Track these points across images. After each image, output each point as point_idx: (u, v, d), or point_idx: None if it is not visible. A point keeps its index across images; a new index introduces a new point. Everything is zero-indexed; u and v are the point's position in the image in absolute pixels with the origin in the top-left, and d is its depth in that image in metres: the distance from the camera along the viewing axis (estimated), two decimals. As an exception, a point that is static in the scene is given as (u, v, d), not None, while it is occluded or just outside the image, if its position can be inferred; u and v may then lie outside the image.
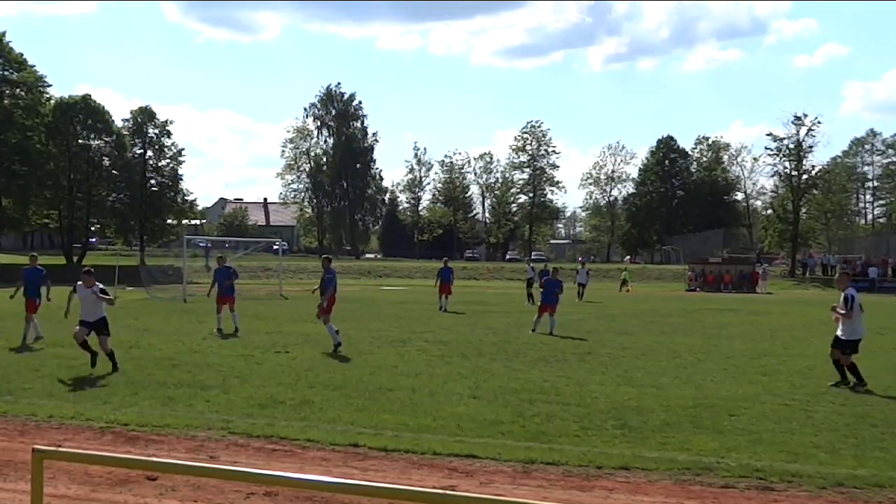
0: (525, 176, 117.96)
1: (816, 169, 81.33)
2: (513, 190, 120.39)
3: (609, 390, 13.86)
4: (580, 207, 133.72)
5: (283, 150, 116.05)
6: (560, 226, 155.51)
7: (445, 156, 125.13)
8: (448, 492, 5.99)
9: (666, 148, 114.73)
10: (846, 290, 14.71)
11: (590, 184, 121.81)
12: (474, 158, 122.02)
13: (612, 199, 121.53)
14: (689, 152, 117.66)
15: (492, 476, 8.79)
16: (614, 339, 21.99)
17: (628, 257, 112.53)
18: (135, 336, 21.33)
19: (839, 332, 14.77)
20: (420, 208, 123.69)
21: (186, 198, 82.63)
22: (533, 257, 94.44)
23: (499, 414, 11.77)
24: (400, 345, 20.28)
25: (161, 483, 8.36)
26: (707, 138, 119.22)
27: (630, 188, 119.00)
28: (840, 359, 14.65)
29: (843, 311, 14.68)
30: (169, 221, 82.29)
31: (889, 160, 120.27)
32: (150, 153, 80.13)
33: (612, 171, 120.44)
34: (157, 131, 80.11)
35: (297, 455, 9.62)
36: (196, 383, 14.23)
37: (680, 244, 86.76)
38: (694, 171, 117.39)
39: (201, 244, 69.26)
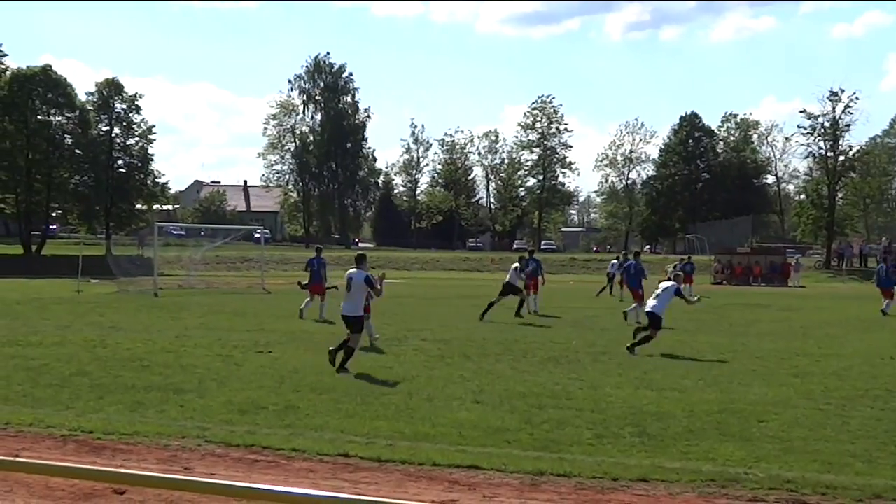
0: (534, 157, 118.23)
1: (854, 150, 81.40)
2: (520, 172, 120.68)
3: (626, 394, 13.87)
4: (595, 192, 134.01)
5: (266, 128, 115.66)
6: (573, 212, 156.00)
7: (446, 134, 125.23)
8: (448, 507, 6.01)
9: (690, 126, 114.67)
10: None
11: (605, 165, 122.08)
12: (478, 137, 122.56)
13: (629, 182, 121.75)
14: (716, 131, 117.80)
15: (496, 489, 8.80)
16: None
17: (648, 247, 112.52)
18: (101, 334, 21.32)
19: None
20: (417, 192, 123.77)
21: (157, 180, 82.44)
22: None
23: (504, 420, 11.78)
24: (395, 344, 20.27)
25: (130, 497, 8.35)
26: (735, 115, 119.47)
27: (650, 170, 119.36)
28: None
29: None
30: (138, 206, 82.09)
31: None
32: (117, 130, 79.81)
33: (631, 152, 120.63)
34: (125, 106, 79.72)
35: (281, 466, 9.62)
36: (169, 387, 14.22)
37: (705, 232, 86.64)
38: (720, 151, 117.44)
39: (174, 232, 69.14)
